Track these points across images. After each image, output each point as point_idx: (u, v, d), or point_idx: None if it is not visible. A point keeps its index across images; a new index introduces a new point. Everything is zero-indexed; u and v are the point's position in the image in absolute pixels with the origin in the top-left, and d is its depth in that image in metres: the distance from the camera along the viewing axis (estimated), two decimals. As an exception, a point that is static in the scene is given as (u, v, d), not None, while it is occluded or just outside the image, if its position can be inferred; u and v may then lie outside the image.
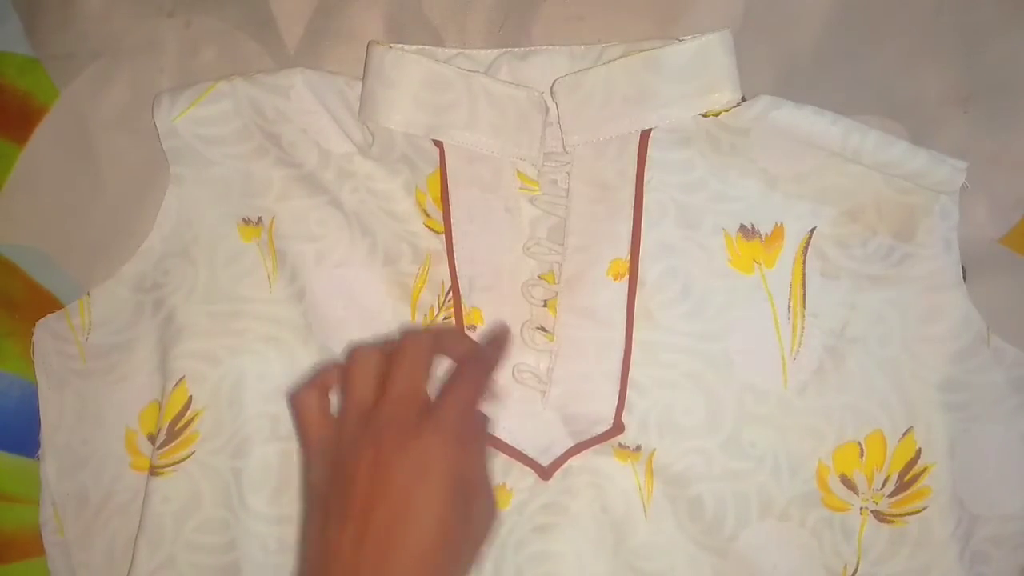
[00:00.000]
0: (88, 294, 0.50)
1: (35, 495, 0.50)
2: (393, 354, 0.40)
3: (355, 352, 0.40)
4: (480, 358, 0.43)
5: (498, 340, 0.46)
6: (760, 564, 0.46)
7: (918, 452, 0.46)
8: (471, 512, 0.37)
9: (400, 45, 0.50)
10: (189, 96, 0.50)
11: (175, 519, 0.47)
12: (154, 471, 0.48)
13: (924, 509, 0.45)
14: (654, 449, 0.46)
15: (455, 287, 0.48)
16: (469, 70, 0.49)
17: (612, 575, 0.46)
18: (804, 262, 0.47)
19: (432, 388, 0.40)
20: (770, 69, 0.51)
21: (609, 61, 0.48)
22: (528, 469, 0.47)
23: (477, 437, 0.40)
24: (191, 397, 0.48)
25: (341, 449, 0.38)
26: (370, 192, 0.49)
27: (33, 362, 0.51)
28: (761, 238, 0.48)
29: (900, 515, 0.46)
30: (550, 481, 0.47)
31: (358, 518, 0.36)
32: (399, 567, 0.35)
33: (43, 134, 0.54)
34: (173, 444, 0.48)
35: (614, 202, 0.48)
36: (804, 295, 0.47)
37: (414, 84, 0.48)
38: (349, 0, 0.53)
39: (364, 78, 0.50)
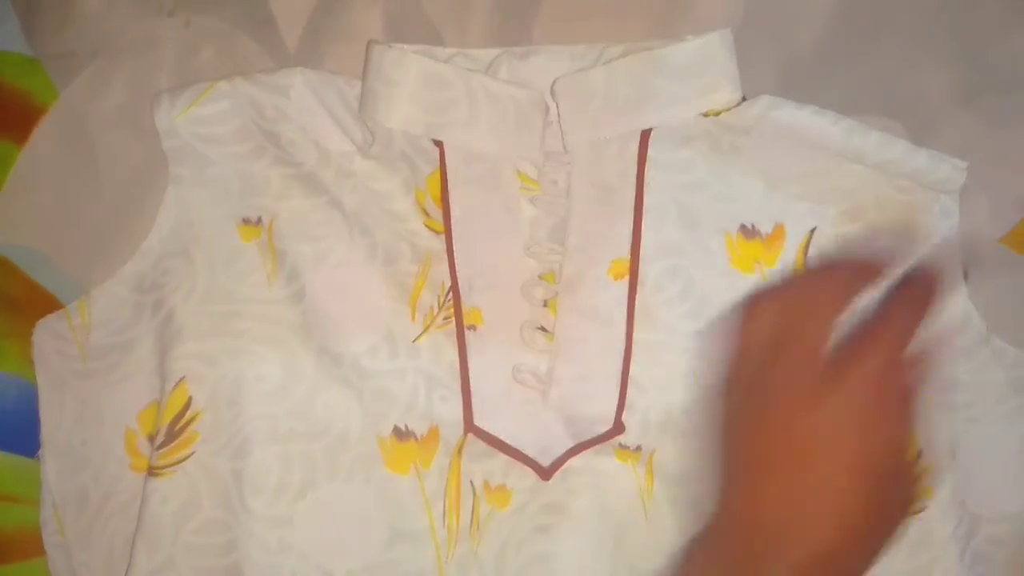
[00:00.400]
0: (88, 294, 0.50)
1: (35, 495, 0.50)
2: (806, 289, 0.32)
3: (761, 291, 0.32)
4: (918, 292, 0.33)
5: (937, 275, 0.34)
6: (760, 564, 0.46)
7: (919, 453, 0.46)
8: (884, 502, 0.30)
9: (400, 44, 0.50)
10: (189, 96, 0.50)
11: (174, 520, 0.47)
12: (153, 472, 0.47)
13: (924, 509, 0.45)
14: (654, 449, 0.46)
15: (455, 287, 0.48)
16: (469, 69, 0.48)
17: (612, 575, 0.46)
18: (805, 262, 0.47)
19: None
20: (770, 69, 0.51)
21: (609, 61, 0.48)
22: (528, 469, 0.47)
23: (901, 405, 0.31)
24: (191, 398, 0.48)
25: (728, 411, 0.31)
26: (370, 192, 0.49)
27: (33, 362, 0.51)
28: (762, 238, 0.48)
29: (900, 515, 0.46)
30: (550, 481, 0.47)
31: (737, 519, 0.30)
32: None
33: (42, 134, 0.53)
34: (173, 445, 0.48)
35: (614, 202, 0.48)
36: None
37: (414, 83, 0.48)
38: (349, -1, 0.53)
39: (364, 77, 0.50)
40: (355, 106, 0.51)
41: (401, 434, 0.47)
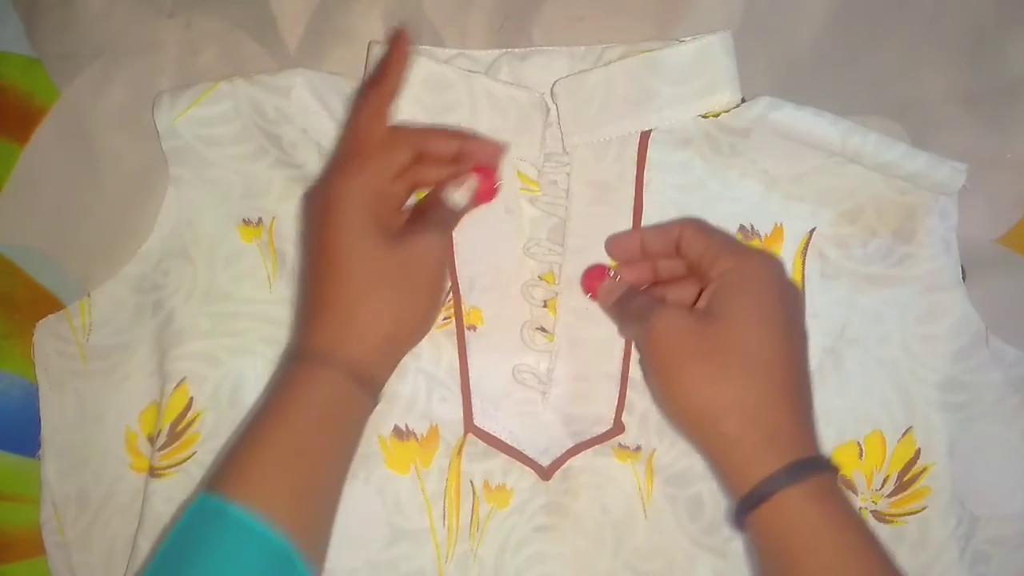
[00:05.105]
0: (89, 295, 0.50)
1: (36, 495, 0.50)
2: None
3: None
4: (367, 80, 0.47)
5: (390, 45, 0.46)
6: (760, 564, 0.46)
7: (917, 452, 0.46)
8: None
9: (400, 46, 0.50)
10: (190, 96, 0.50)
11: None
12: (154, 472, 0.48)
13: (923, 509, 0.46)
14: (654, 449, 0.47)
15: (455, 287, 0.48)
16: (470, 71, 0.49)
17: (612, 575, 0.46)
18: (804, 263, 0.47)
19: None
20: (770, 70, 0.51)
21: (609, 62, 0.48)
22: (528, 469, 0.47)
23: (366, 153, 0.44)
24: (192, 398, 0.48)
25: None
26: (371, 193, 0.49)
27: (34, 362, 0.51)
28: (761, 239, 0.48)
29: (899, 515, 0.46)
30: (550, 481, 0.47)
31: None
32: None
33: (44, 134, 0.54)
34: (174, 445, 0.48)
35: (614, 203, 0.48)
36: (804, 295, 0.47)
37: (415, 84, 0.48)
38: (349, 0, 0.53)
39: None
40: (356, 107, 0.51)
41: (401, 434, 0.47)
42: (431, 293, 0.44)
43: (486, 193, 0.47)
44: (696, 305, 0.42)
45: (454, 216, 0.46)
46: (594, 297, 0.47)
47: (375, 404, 0.43)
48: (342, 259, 0.42)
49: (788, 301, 0.41)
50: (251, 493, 0.37)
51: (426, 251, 0.43)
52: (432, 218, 0.45)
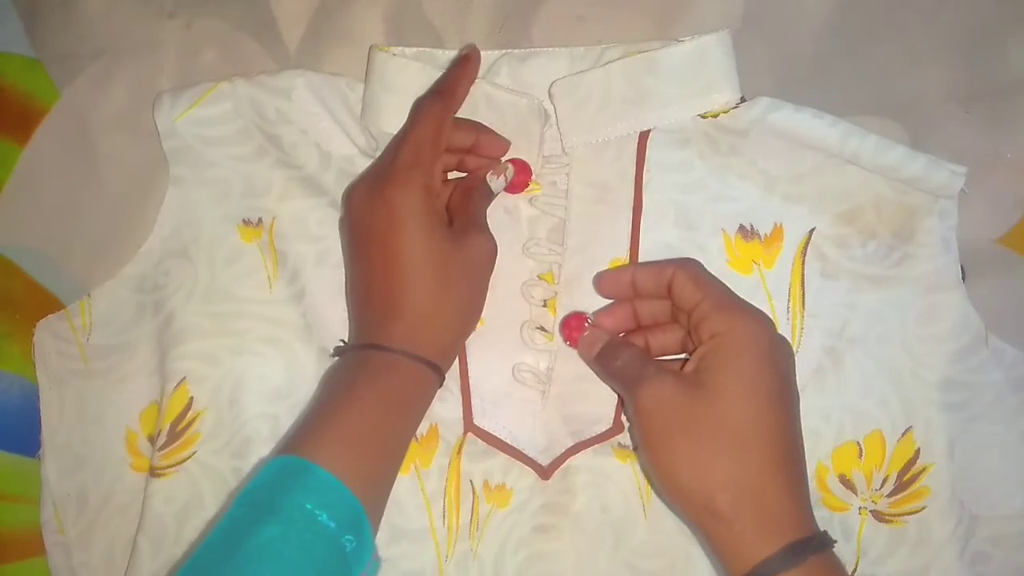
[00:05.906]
0: (89, 295, 0.51)
1: (36, 495, 0.50)
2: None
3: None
4: (435, 90, 0.47)
5: (460, 62, 0.48)
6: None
7: (917, 452, 0.46)
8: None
9: (401, 47, 0.50)
10: (190, 96, 0.50)
11: (177, 519, 0.47)
12: (155, 472, 0.48)
13: (923, 509, 0.45)
14: (653, 449, 0.47)
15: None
16: (469, 71, 0.49)
17: (611, 574, 0.46)
18: (803, 263, 0.47)
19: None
20: (769, 69, 0.51)
21: (608, 62, 0.48)
22: (528, 469, 0.47)
23: (420, 167, 0.44)
24: (192, 398, 0.48)
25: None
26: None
27: (34, 362, 0.51)
28: (760, 238, 0.48)
29: (899, 515, 0.46)
30: (550, 481, 0.47)
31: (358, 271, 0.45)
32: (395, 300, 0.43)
33: (44, 135, 0.54)
34: (175, 445, 0.48)
35: (613, 203, 0.48)
36: (803, 296, 0.47)
37: (416, 89, 0.48)
38: (350, 1, 0.53)
39: (367, 83, 0.50)
40: (357, 109, 0.51)
41: (401, 434, 0.47)
42: (486, 287, 0.46)
43: (520, 184, 0.49)
44: (684, 368, 0.41)
45: (486, 208, 0.48)
46: (574, 346, 0.46)
47: (440, 386, 0.45)
48: (416, 266, 0.43)
49: (779, 365, 0.40)
50: (330, 462, 0.38)
51: (484, 248, 0.45)
52: (478, 214, 0.46)
